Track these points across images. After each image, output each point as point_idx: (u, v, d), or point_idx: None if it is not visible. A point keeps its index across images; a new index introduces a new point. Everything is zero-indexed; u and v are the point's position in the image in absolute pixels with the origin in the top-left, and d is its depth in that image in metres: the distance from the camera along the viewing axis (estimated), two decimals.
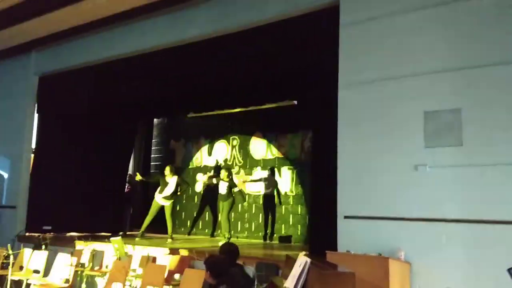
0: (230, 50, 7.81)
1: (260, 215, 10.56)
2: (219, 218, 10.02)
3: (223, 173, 9.45)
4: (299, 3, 6.68)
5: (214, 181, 10.08)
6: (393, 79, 5.69)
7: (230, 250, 4.18)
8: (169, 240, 9.11)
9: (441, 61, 5.41)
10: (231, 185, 9.35)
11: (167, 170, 9.56)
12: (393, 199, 5.50)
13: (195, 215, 11.36)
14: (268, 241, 10.03)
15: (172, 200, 9.56)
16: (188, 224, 11.54)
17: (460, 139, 5.16)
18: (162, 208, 9.50)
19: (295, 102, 9.46)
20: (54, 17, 8.28)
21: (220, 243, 7.54)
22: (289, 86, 8.09)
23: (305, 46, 7.03)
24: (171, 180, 9.47)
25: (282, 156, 10.66)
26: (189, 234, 11.03)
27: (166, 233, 9.41)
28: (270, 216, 10.22)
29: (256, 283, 5.53)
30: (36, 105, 10.12)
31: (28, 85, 10.11)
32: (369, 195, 5.69)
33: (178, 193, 9.69)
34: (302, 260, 3.96)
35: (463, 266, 4.94)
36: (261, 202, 10.54)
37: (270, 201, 10.23)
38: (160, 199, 9.45)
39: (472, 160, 5.06)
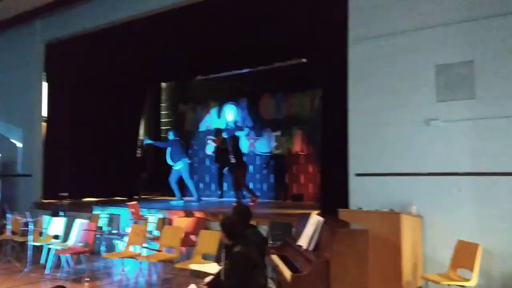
0: (237, 9, 7.63)
1: (271, 175, 10.65)
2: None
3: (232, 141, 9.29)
4: None
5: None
6: (404, 33, 5.57)
7: (243, 211, 4.23)
8: (193, 202, 9.30)
9: (453, 12, 5.26)
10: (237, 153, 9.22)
11: (170, 134, 9.93)
12: (404, 155, 5.50)
13: (207, 179, 11.51)
14: (280, 200, 10.13)
15: (180, 162, 9.65)
16: (201, 186, 11.67)
17: (473, 92, 5.09)
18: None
19: (304, 60, 9.29)
20: None
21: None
22: (297, 44, 7.93)
23: (313, 2, 6.84)
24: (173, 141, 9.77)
25: (292, 115, 10.60)
26: (208, 197, 11.18)
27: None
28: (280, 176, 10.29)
29: (270, 242, 5.65)
30: (44, 73, 10.11)
31: (35, 53, 10.06)
32: (380, 151, 5.68)
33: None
34: (315, 219, 4.02)
35: (475, 219, 4.98)
36: (272, 162, 10.60)
37: (280, 161, 10.27)
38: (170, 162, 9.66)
39: (485, 113, 5.00)
